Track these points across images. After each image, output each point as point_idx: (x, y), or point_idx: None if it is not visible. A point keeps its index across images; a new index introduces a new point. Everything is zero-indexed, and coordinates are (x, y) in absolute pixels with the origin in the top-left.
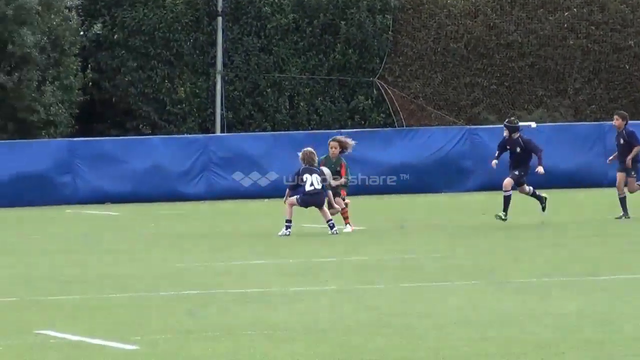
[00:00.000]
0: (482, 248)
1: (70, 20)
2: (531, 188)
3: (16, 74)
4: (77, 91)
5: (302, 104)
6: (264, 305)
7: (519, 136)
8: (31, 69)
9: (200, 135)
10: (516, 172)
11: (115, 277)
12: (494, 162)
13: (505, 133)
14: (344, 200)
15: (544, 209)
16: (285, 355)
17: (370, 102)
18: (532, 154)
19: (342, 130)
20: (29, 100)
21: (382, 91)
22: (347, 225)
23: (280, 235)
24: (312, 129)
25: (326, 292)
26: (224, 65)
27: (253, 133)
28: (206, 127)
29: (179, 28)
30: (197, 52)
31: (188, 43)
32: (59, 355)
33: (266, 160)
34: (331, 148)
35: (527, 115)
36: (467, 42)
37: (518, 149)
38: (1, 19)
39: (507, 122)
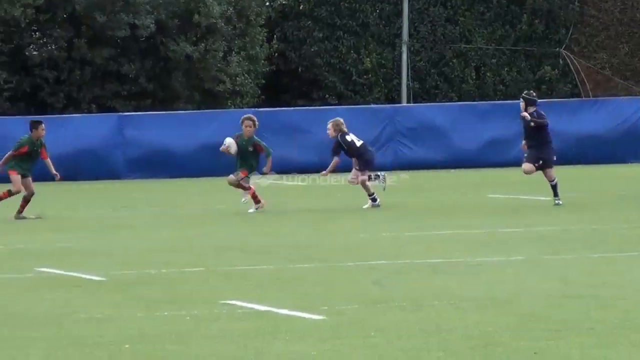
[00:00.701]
0: None
1: None
2: (556, 180)
3: (202, 44)
4: (262, 61)
5: (488, 74)
6: (450, 275)
7: (535, 110)
8: (217, 39)
9: (387, 106)
10: (537, 156)
11: (302, 247)
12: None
13: (522, 105)
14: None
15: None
16: (471, 326)
17: (556, 72)
18: (547, 129)
19: None
20: (215, 71)
21: (569, 62)
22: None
23: (368, 207)
24: (498, 100)
25: (512, 262)
26: (410, 35)
27: (439, 103)
28: (392, 97)
29: None
30: (383, 22)
31: (374, 13)
32: (245, 325)
33: (452, 131)
34: (246, 127)
35: None
36: None
37: (531, 123)
38: None
39: (525, 93)
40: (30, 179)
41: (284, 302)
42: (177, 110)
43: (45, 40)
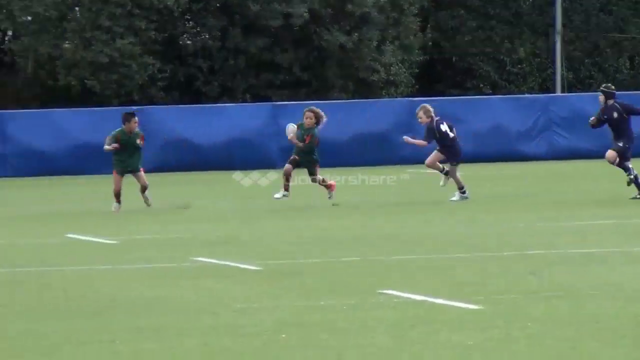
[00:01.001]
0: None
1: None
2: (616, 162)
3: (356, 34)
4: (416, 51)
5: None
6: (606, 265)
7: (614, 102)
8: (370, 28)
9: (541, 95)
10: (620, 144)
11: (457, 237)
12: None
13: (601, 98)
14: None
15: (629, 182)
16: (627, 316)
17: None
18: (630, 120)
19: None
20: (369, 60)
21: None
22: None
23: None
24: None
25: None
26: (563, 25)
27: (594, 93)
28: (546, 87)
29: None
30: (537, 12)
31: (527, 3)
32: (402, 314)
33: None
34: (306, 118)
35: None
36: None
37: (615, 114)
38: None
39: (603, 86)
40: (139, 173)
41: (440, 291)
42: (331, 99)
43: (198, 29)
